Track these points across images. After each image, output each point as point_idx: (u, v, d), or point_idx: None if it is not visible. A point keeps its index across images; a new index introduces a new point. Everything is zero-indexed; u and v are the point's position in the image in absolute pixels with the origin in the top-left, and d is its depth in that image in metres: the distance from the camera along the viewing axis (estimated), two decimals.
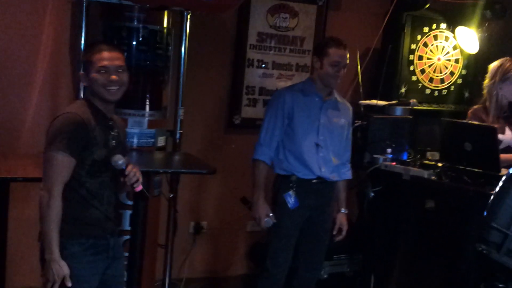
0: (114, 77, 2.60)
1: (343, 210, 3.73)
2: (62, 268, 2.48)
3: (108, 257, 2.67)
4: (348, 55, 3.55)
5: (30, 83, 3.91)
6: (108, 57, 2.61)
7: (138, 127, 3.73)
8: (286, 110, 3.54)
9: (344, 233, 3.71)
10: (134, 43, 3.69)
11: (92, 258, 2.58)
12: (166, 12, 3.79)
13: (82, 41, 3.65)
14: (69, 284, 2.49)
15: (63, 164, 2.45)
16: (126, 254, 3.49)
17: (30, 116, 3.91)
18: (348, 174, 3.76)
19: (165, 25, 3.81)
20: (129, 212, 3.60)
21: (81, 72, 2.65)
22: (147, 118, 3.76)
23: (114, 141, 2.66)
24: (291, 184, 3.54)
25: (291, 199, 3.54)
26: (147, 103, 3.80)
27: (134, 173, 2.57)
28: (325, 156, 3.59)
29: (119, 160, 2.55)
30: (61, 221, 2.48)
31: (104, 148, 2.58)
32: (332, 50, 3.49)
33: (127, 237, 3.56)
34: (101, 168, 2.58)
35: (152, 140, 3.79)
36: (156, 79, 3.83)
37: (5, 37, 3.84)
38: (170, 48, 3.87)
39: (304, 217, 3.59)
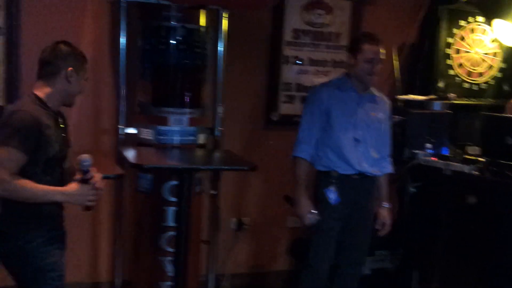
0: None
1: (385, 204, 3.70)
2: (77, 188, 2.56)
3: (64, 247, 2.74)
4: (383, 51, 3.52)
5: None
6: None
7: (179, 125, 3.76)
8: (324, 106, 3.54)
9: (387, 227, 3.68)
10: (173, 42, 3.72)
11: (54, 246, 2.64)
12: (202, 11, 3.81)
13: (122, 41, 3.70)
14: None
15: (16, 160, 2.47)
16: (172, 249, 3.56)
17: (73, 116, 3.94)
18: (389, 168, 3.74)
19: (202, 23, 3.84)
20: (172, 208, 3.65)
21: (72, 68, 2.66)
22: (187, 116, 3.79)
23: (63, 136, 2.71)
24: (331, 180, 3.54)
25: (332, 194, 3.53)
26: (187, 101, 3.83)
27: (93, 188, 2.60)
28: (365, 150, 3.57)
29: (85, 161, 2.57)
30: (21, 217, 2.56)
31: (57, 144, 2.62)
32: (366, 46, 3.47)
33: (172, 233, 3.62)
34: (54, 163, 2.63)
35: (193, 137, 3.82)
36: (195, 77, 3.87)
37: (46, 40, 3.87)
38: (208, 46, 3.89)
39: (345, 213, 3.58)
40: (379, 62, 3.51)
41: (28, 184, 2.50)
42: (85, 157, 2.57)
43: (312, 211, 3.52)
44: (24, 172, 2.50)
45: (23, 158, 2.49)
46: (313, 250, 3.61)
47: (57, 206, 2.69)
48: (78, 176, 2.59)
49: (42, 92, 2.64)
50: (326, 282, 3.68)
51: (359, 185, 3.58)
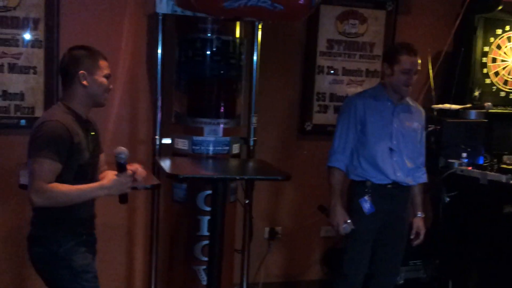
0: (111, 86, 2.79)
1: (419, 214, 3.69)
2: (113, 179, 2.60)
3: (95, 252, 2.81)
4: (419, 61, 3.51)
5: (111, 94, 4.04)
6: (108, 66, 2.77)
7: (213, 135, 3.80)
8: (358, 116, 3.54)
9: (421, 237, 3.67)
10: (208, 53, 3.77)
11: (86, 249, 2.70)
12: (238, 23, 3.86)
13: (159, 53, 3.78)
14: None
15: (51, 170, 2.51)
16: (205, 258, 3.60)
17: (110, 126, 4.06)
18: (423, 177, 3.72)
19: (237, 35, 3.88)
20: (207, 218, 3.69)
21: (83, 71, 2.66)
22: (222, 126, 3.83)
23: (93, 143, 2.75)
24: (366, 190, 3.54)
25: (366, 204, 3.53)
26: (222, 111, 3.88)
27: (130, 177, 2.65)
28: (399, 160, 3.56)
29: (122, 153, 2.61)
30: (53, 221, 2.61)
31: (87, 152, 2.66)
32: (403, 57, 3.45)
33: (206, 242, 3.66)
34: (86, 170, 2.68)
35: (227, 147, 3.86)
36: (230, 88, 3.91)
37: None
38: (242, 57, 3.93)
39: (380, 222, 3.58)
40: (416, 73, 3.50)
41: (66, 188, 2.53)
42: (122, 150, 2.61)
43: (347, 220, 3.52)
44: (57, 180, 2.54)
45: (58, 167, 2.53)
46: (348, 259, 3.62)
47: (89, 212, 2.75)
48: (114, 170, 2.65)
49: (68, 100, 2.68)
50: None
51: (394, 194, 3.57)
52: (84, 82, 2.66)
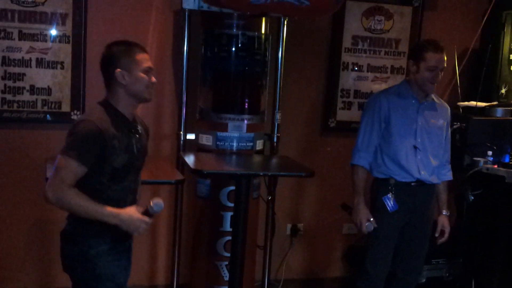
0: (154, 79, 2.61)
1: (444, 212, 3.67)
2: (133, 217, 2.49)
3: (129, 258, 2.71)
4: (445, 58, 3.48)
5: None
6: (148, 58, 2.60)
7: (237, 131, 3.81)
8: (383, 113, 3.52)
9: (446, 235, 3.65)
10: (234, 49, 3.78)
11: (116, 257, 2.60)
12: (264, 19, 3.86)
13: (185, 48, 3.80)
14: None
15: (73, 171, 2.42)
16: (228, 254, 3.63)
17: None
18: (448, 175, 3.70)
19: (262, 31, 3.88)
20: (229, 213, 3.71)
21: (119, 69, 2.51)
22: (246, 122, 3.84)
23: (138, 145, 2.62)
24: (389, 187, 3.52)
25: (390, 202, 3.51)
26: (246, 107, 3.89)
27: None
28: (424, 158, 3.54)
29: (158, 205, 2.52)
30: (87, 222, 2.49)
31: (125, 154, 2.54)
32: (429, 54, 3.42)
33: (228, 238, 3.69)
34: (123, 173, 2.56)
35: (251, 143, 3.87)
36: (254, 84, 3.91)
37: None
38: (268, 53, 3.93)
39: (403, 221, 3.57)
40: (442, 70, 3.47)
41: (80, 199, 2.44)
42: (159, 203, 2.52)
43: (370, 219, 3.52)
44: (89, 182, 2.47)
45: (81, 170, 2.44)
46: (370, 257, 3.61)
47: None
48: (142, 209, 2.55)
49: (111, 99, 2.58)
50: None
51: (418, 192, 3.55)
52: (123, 81, 2.53)
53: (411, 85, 3.56)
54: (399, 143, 3.51)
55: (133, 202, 2.63)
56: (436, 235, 3.64)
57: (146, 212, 2.53)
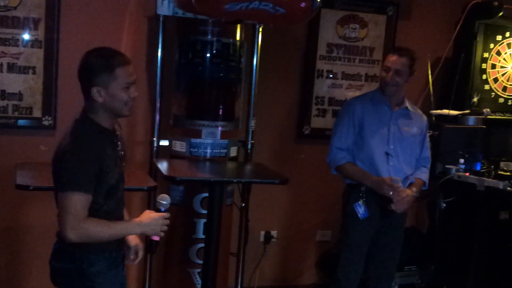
0: (135, 93, 2.43)
1: (413, 189, 3.53)
2: (152, 217, 2.48)
3: (123, 268, 2.64)
4: (403, 62, 3.48)
5: None
6: (130, 71, 2.41)
7: (211, 138, 3.80)
8: (357, 119, 3.54)
9: (404, 205, 3.48)
10: (208, 56, 3.77)
11: (114, 272, 2.52)
12: (238, 26, 3.86)
13: (159, 54, 3.78)
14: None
15: (82, 203, 2.31)
16: (201, 261, 3.61)
17: None
18: (423, 176, 3.64)
19: (237, 38, 3.88)
20: (203, 220, 3.69)
21: (95, 87, 2.34)
22: (220, 129, 3.83)
23: (120, 153, 2.54)
24: (360, 194, 3.52)
25: (360, 209, 3.50)
26: (221, 114, 3.88)
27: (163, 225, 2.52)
28: (396, 165, 3.55)
29: (164, 200, 2.54)
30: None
31: (116, 167, 2.46)
32: (387, 56, 3.58)
33: (201, 245, 3.67)
34: (116, 188, 2.48)
35: (225, 150, 3.86)
36: (229, 90, 3.91)
37: (84, 49, 3.94)
38: (242, 60, 3.93)
39: (375, 228, 3.57)
40: (398, 74, 3.49)
41: (102, 226, 2.37)
42: (165, 198, 2.54)
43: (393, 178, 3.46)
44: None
45: (89, 198, 2.33)
46: (342, 264, 3.61)
47: None
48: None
49: (90, 112, 2.41)
50: None
51: (389, 199, 3.53)
52: (99, 99, 2.35)
53: (384, 92, 3.59)
54: (372, 149, 3.52)
55: (122, 211, 2.60)
56: (393, 201, 3.44)
57: (157, 211, 2.54)
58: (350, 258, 3.59)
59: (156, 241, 2.57)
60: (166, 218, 2.52)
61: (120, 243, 2.56)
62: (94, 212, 2.38)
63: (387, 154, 3.54)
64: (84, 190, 2.30)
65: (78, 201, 2.30)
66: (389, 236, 3.62)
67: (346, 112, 3.61)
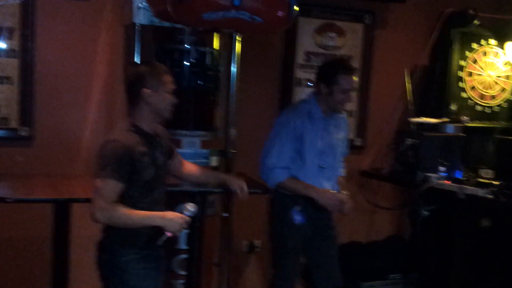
0: (175, 100, 2.79)
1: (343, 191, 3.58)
2: (176, 216, 2.66)
3: (159, 268, 2.81)
4: (355, 79, 3.53)
5: (86, 104, 4.02)
6: (173, 81, 2.78)
7: (191, 148, 3.76)
8: (297, 133, 3.48)
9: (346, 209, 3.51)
10: (186, 64, 3.73)
11: (144, 267, 2.71)
12: (216, 34, 3.83)
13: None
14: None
15: (113, 189, 2.57)
16: (183, 272, 3.55)
17: (87, 135, 4.01)
18: (343, 172, 3.73)
19: (215, 46, 3.85)
20: (185, 231, 3.61)
21: (146, 89, 2.67)
22: (200, 139, 3.79)
23: (161, 157, 2.78)
24: (298, 202, 3.48)
25: (297, 216, 3.49)
26: (200, 123, 3.84)
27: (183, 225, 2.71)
28: (328, 173, 3.56)
29: (192, 210, 2.71)
30: (119, 232, 2.64)
31: (153, 166, 2.69)
32: (341, 77, 3.42)
33: (184, 256, 3.61)
34: (152, 186, 2.70)
35: (206, 160, 3.81)
36: (207, 99, 3.88)
37: (60, 62, 3.96)
38: (220, 69, 3.90)
39: (307, 233, 3.55)
40: (353, 91, 3.51)
41: (127, 211, 2.58)
42: (193, 206, 2.71)
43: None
44: (121, 197, 2.60)
45: (119, 186, 2.57)
46: (280, 271, 3.62)
47: (155, 228, 2.69)
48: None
49: (133, 117, 2.71)
50: None
51: (321, 206, 3.50)
52: (149, 100, 2.67)
53: (319, 103, 3.52)
54: (308, 165, 3.50)
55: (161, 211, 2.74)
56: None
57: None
58: (288, 263, 3.58)
59: (168, 236, 2.68)
60: (187, 223, 2.69)
61: (154, 245, 2.71)
62: (130, 206, 2.60)
63: (321, 167, 3.52)
64: (115, 178, 2.55)
65: (108, 186, 2.54)
66: (324, 237, 3.61)
67: (284, 127, 3.52)
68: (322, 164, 3.52)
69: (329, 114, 3.55)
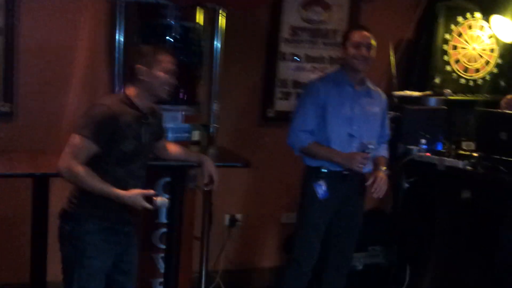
0: (174, 80, 2.85)
1: (382, 168, 3.57)
2: (132, 194, 2.65)
3: (121, 243, 2.82)
4: (373, 41, 3.51)
5: (68, 80, 4.03)
6: (172, 61, 2.84)
7: (173, 122, 3.77)
8: (320, 100, 3.52)
9: (382, 191, 3.51)
10: (170, 40, 3.74)
11: (104, 238, 2.73)
12: (200, 9, 3.84)
13: (118, 39, 3.72)
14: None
15: (86, 149, 2.60)
16: (163, 246, 3.61)
17: (69, 112, 4.01)
18: (383, 152, 3.71)
19: (199, 21, 3.86)
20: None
21: (140, 65, 2.74)
22: (182, 113, 3.81)
23: (148, 134, 2.82)
24: (321, 175, 3.52)
25: (321, 189, 3.51)
26: (183, 98, 3.86)
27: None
28: (359, 146, 3.55)
29: (160, 203, 2.72)
30: (88, 202, 2.68)
31: (135, 140, 2.72)
32: (352, 33, 3.55)
33: (164, 230, 3.66)
34: (129, 158, 2.74)
35: (188, 134, 3.83)
36: (191, 74, 3.88)
37: (44, 39, 3.97)
38: (204, 44, 3.91)
39: (334, 209, 3.57)
40: (367, 47, 3.50)
41: (90, 178, 2.60)
42: (163, 203, 2.74)
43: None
44: (97, 161, 2.63)
45: (93, 148, 2.61)
46: (299, 245, 3.64)
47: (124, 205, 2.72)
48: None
49: (131, 92, 2.77)
50: (311, 278, 3.68)
51: (350, 181, 3.55)
52: (141, 77, 2.74)
53: (346, 71, 3.58)
54: (334, 131, 3.52)
55: (135, 187, 2.73)
56: (372, 191, 3.50)
57: (149, 200, 2.68)
58: (308, 238, 3.60)
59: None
60: (144, 207, 2.68)
61: (122, 218, 2.75)
62: (102, 172, 2.63)
63: (350, 135, 3.54)
64: (90, 138, 2.59)
65: (82, 144, 2.59)
66: (348, 218, 3.63)
67: (309, 93, 3.60)
68: (351, 131, 3.52)
69: (360, 85, 3.58)
